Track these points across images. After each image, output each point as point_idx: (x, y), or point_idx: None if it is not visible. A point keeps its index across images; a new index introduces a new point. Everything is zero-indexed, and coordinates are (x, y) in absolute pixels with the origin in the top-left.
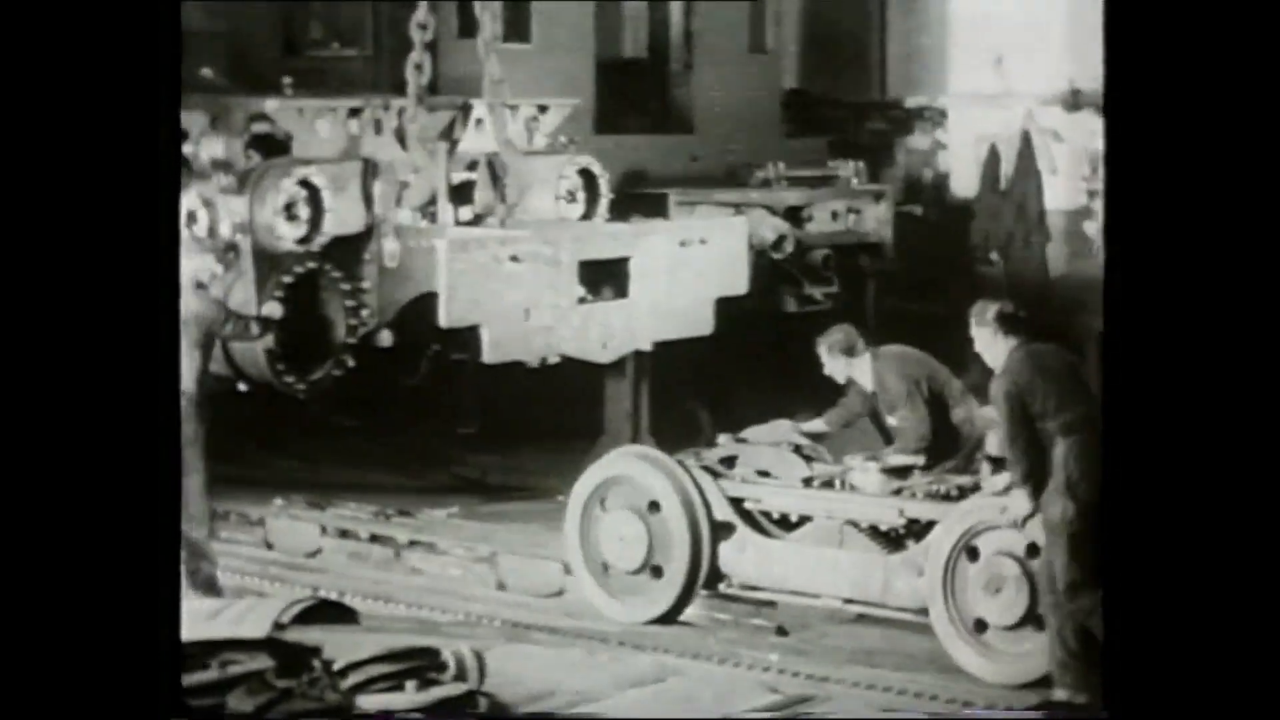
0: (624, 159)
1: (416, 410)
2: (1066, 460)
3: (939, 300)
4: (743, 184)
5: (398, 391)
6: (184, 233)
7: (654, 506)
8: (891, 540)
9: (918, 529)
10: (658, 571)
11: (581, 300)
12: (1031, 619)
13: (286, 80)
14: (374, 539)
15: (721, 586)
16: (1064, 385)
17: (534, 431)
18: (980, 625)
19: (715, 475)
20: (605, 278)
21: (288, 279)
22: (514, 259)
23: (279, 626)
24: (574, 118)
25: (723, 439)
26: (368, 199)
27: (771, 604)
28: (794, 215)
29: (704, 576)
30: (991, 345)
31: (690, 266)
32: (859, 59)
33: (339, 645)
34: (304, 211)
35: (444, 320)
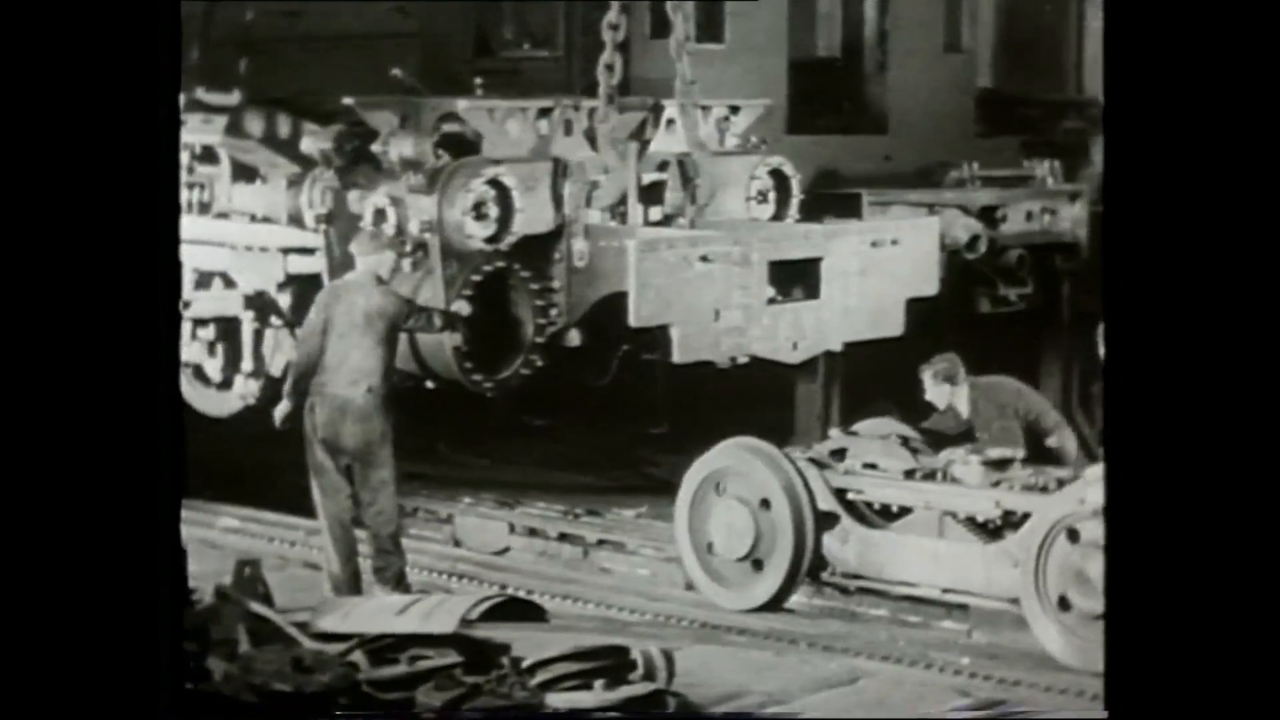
0: (816, 159)
1: (605, 410)
2: None
3: None
4: (936, 184)
5: (587, 391)
6: (364, 228)
7: (764, 504)
8: (989, 531)
9: (1015, 520)
10: (759, 565)
11: (771, 301)
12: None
13: (478, 81)
14: (562, 538)
15: (825, 575)
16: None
17: (723, 432)
18: (1064, 604)
19: (821, 467)
20: (796, 278)
21: (476, 278)
22: (704, 259)
23: (467, 623)
24: (766, 118)
25: (834, 432)
26: (557, 199)
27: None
28: (988, 215)
29: (807, 565)
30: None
31: (882, 267)
32: (1055, 57)
33: (527, 643)
34: (493, 211)
35: (633, 320)
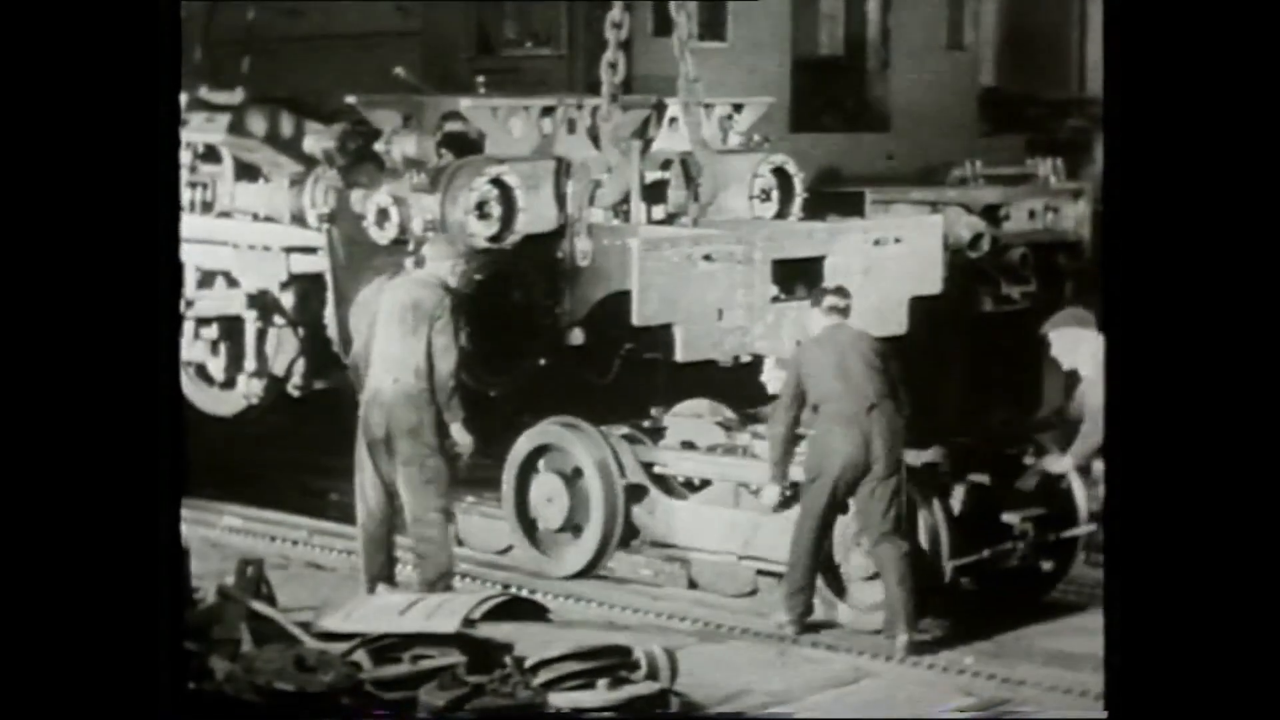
0: (819, 157)
1: (608, 409)
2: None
3: None
4: (939, 182)
5: (589, 390)
6: (437, 233)
7: (577, 472)
8: (780, 502)
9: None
10: (578, 530)
11: (775, 299)
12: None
13: (480, 79)
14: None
15: (634, 543)
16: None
17: None
18: (841, 574)
19: (635, 443)
20: (799, 277)
21: (479, 277)
22: (707, 258)
23: (470, 622)
24: (769, 116)
25: (655, 411)
26: (560, 198)
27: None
28: (991, 214)
29: (619, 534)
30: (815, 324)
31: (885, 266)
32: (1058, 55)
33: (530, 642)
34: (496, 210)
35: (637, 319)
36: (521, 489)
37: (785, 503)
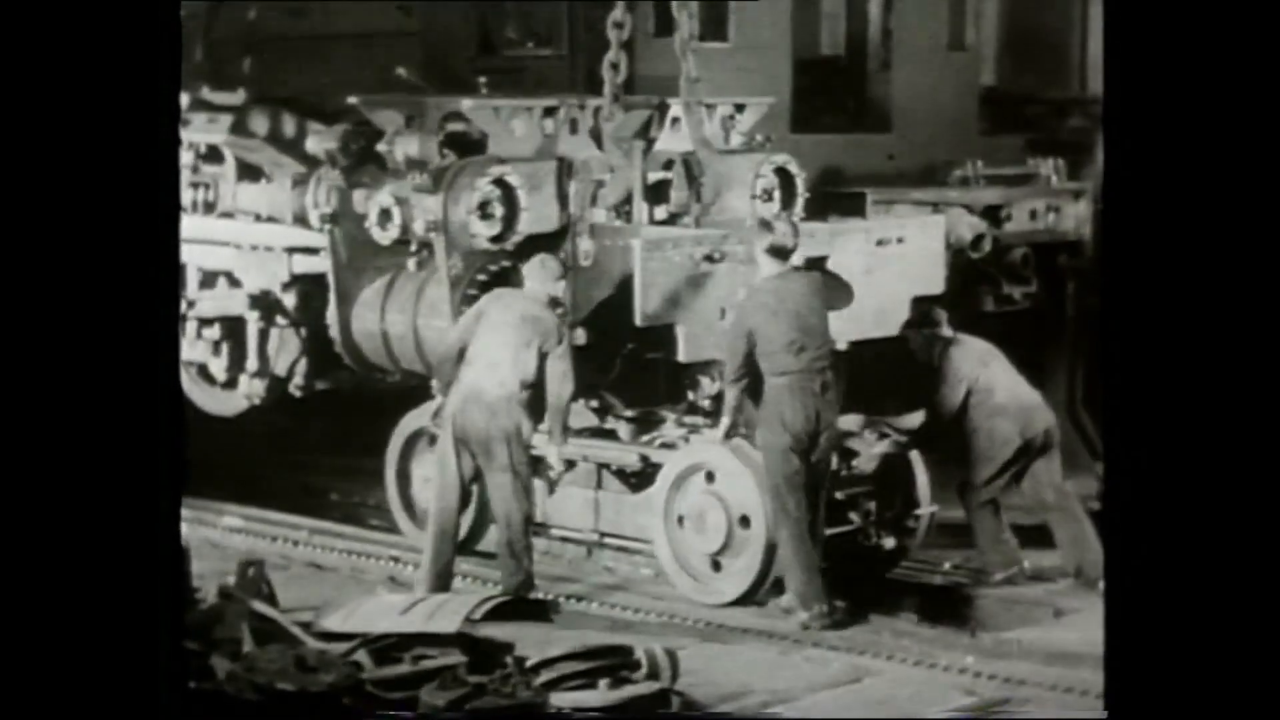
0: (821, 158)
1: (610, 407)
2: (779, 398)
3: None
4: (940, 182)
5: (591, 389)
6: (541, 258)
7: None
8: (639, 482)
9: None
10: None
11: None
12: (727, 548)
13: (482, 80)
14: (565, 537)
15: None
16: (799, 323)
17: None
18: (694, 554)
19: None
20: None
21: (482, 277)
22: (709, 258)
23: (470, 622)
24: (771, 116)
25: None
26: (563, 198)
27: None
28: (992, 214)
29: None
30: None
31: (886, 266)
32: (1059, 55)
33: (531, 642)
34: (498, 210)
35: (639, 319)
36: (403, 469)
37: (641, 481)
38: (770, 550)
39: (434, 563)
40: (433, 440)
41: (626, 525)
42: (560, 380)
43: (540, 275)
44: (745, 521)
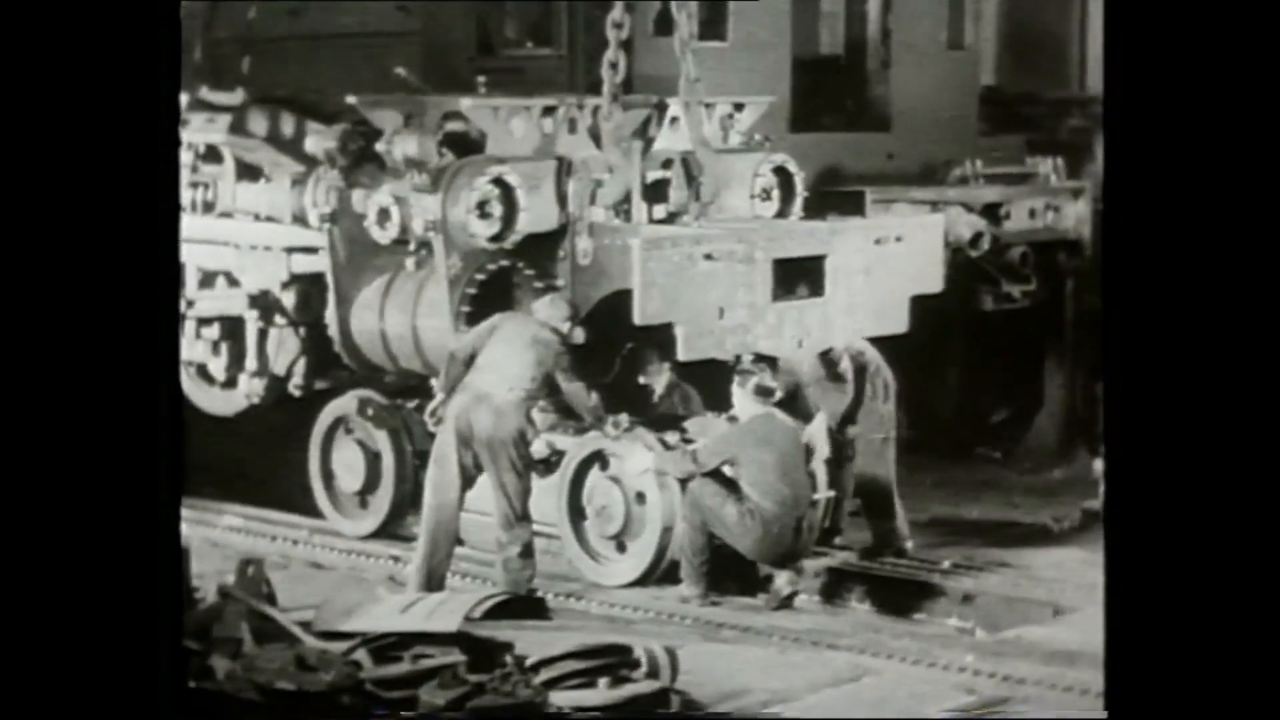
0: (820, 157)
1: (609, 408)
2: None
3: None
4: (940, 181)
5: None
6: (551, 293)
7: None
8: (549, 468)
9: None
10: (365, 502)
11: (776, 298)
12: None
13: (481, 79)
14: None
15: None
16: (779, 464)
17: None
18: (593, 538)
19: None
20: (800, 276)
21: (480, 276)
22: (708, 257)
23: (470, 621)
24: (770, 115)
25: None
26: (562, 197)
27: None
28: (991, 213)
29: (410, 498)
30: (744, 406)
31: (886, 264)
32: (1058, 54)
33: (531, 641)
34: (497, 209)
35: (638, 318)
36: (325, 455)
37: (548, 467)
38: (667, 531)
39: (427, 560)
40: (350, 429)
41: (537, 510)
42: (577, 395)
43: (549, 312)
44: (641, 498)
